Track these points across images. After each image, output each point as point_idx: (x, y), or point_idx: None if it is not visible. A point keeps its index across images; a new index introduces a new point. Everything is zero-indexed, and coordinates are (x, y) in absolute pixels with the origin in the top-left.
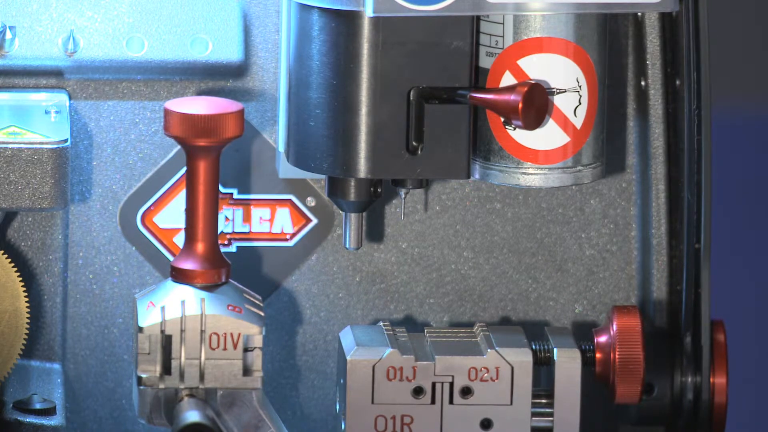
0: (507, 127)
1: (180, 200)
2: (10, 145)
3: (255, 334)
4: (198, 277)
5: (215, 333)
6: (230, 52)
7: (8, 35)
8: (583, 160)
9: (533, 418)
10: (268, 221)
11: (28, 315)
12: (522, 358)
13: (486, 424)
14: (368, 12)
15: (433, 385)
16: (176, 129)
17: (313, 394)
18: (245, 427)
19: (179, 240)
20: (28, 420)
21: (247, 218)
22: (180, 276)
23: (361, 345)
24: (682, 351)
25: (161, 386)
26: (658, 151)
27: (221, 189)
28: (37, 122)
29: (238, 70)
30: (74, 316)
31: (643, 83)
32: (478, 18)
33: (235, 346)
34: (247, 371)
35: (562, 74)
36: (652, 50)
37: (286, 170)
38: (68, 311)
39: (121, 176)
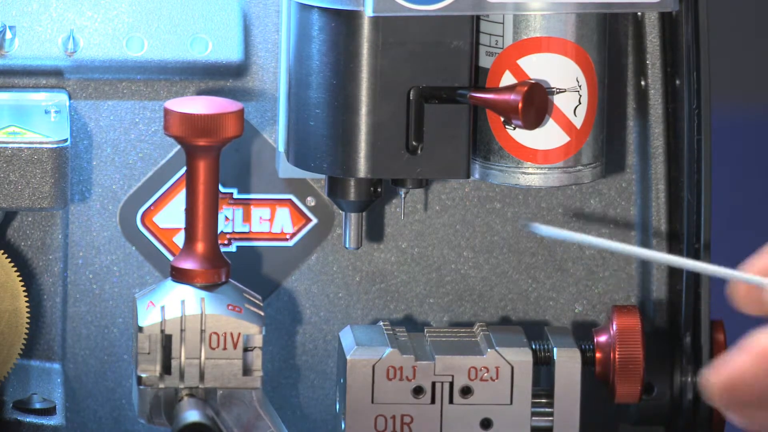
0: (507, 126)
1: (180, 200)
2: (10, 145)
3: (255, 333)
4: (198, 276)
5: (215, 333)
6: (230, 52)
7: (8, 35)
8: (583, 159)
9: (533, 418)
10: (268, 221)
11: (28, 315)
12: (522, 357)
13: (486, 423)
14: (368, 12)
15: (433, 384)
16: (176, 129)
17: (313, 394)
18: (245, 427)
19: (179, 240)
20: (28, 420)
21: (247, 218)
22: (180, 276)
23: (361, 345)
24: (682, 351)
25: (161, 386)
26: (658, 151)
27: (221, 189)
28: (37, 122)
29: (238, 70)
30: (74, 316)
31: (643, 83)
32: (478, 18)
33: (235, 346)
34: (246, 371)
35: (562, 74)
36: (652, 50)
37: (286, 170)
38: (68, 311)
39: (121, 176)
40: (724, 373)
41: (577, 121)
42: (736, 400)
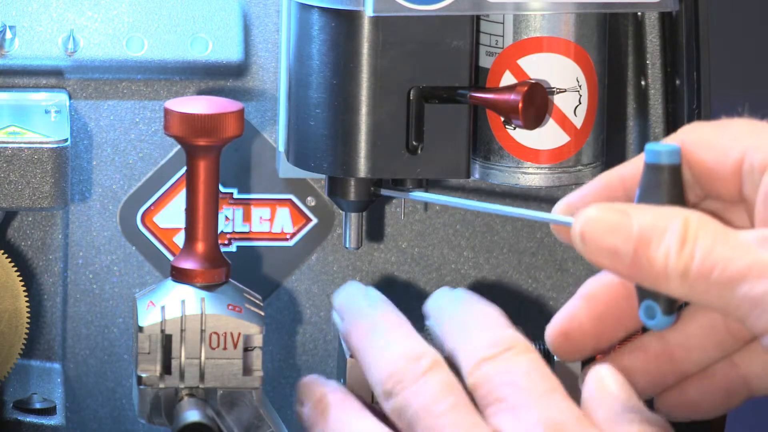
0: (507, 126)
1: (180, 200)
2: (10, 145)
3: (255, 333)
4: (198, 276)
5: (215, 332)
6: (230, 52)
7: (8, 35)
8: (583, 159)
9: None
10: (268, 221)
11: (28, 315)
12: None
13: None
14: (368, 12)
15: None
16: (176, 128)
17: None
18: (245, 427)
19: (179, 240)
20: (28, 420)
21: (247, 218)
22: (180, 275)
23: None
24: None
25: (161, 386)
26: None
27: (221, 189)
28: (37, 122)
29: (238, 70)
30: (74, 315)
31: (643, 83)
32: (478, 17)
33: (235, 346)
34: (247, 371)
35: (562, 74)
36: (652, 50)
37: (286, 170)
38: (68, 311)
39: (121, 176)
40: (558, 321)
41: (577, 121)
42: (574, 347)
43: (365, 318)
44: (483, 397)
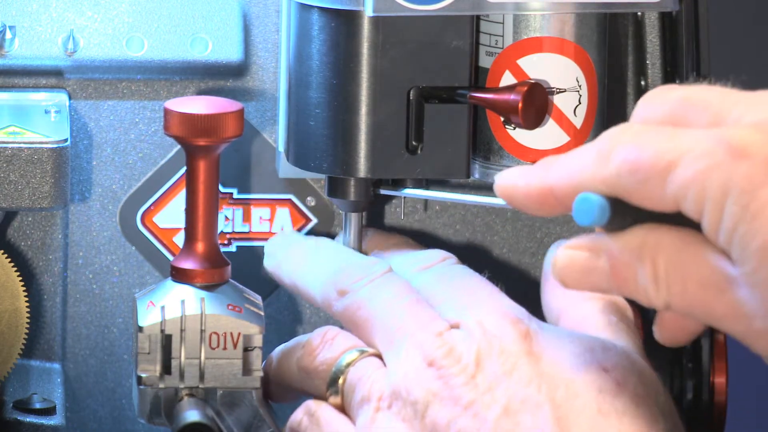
0: (507, 126)
1: (180, 200)
2: (10, 145)
3: (255, 333)
4: (198, 276)
5: (215, 332)
6: (230, 52)
7: (8, 35)
8: None
9: None
10: (268, 221)
11: (28, 315)
12: None
13: None
14: (368, 12)
15: None
16: (176, 128)
17: None
18: (245, 427)
19: (179, 240)
20: (28, 420)
21: (247, 218)
22: (180, 275)
23: None
24: (682, 351)
25: (161, 386)
26: None
27: (221, 189)
28: (36, 122)
29: (238, 70)
30: (74, 315)
31: (643, 83)
32: (478, 17)
33: (234, 346)
34: (246, 371)
35: (562, 74)
36: (652, 50)
37: (286, 170)
38: (68, 311)
39: (121, 176)
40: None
41: (577, 121)
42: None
43: (302, 243)
44: (428, 300)
